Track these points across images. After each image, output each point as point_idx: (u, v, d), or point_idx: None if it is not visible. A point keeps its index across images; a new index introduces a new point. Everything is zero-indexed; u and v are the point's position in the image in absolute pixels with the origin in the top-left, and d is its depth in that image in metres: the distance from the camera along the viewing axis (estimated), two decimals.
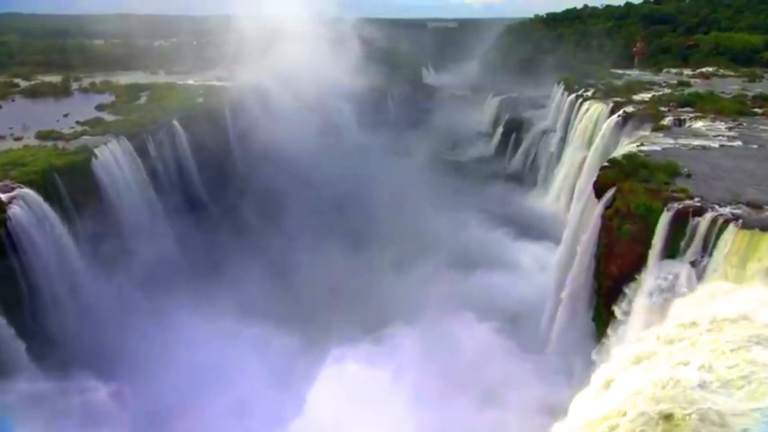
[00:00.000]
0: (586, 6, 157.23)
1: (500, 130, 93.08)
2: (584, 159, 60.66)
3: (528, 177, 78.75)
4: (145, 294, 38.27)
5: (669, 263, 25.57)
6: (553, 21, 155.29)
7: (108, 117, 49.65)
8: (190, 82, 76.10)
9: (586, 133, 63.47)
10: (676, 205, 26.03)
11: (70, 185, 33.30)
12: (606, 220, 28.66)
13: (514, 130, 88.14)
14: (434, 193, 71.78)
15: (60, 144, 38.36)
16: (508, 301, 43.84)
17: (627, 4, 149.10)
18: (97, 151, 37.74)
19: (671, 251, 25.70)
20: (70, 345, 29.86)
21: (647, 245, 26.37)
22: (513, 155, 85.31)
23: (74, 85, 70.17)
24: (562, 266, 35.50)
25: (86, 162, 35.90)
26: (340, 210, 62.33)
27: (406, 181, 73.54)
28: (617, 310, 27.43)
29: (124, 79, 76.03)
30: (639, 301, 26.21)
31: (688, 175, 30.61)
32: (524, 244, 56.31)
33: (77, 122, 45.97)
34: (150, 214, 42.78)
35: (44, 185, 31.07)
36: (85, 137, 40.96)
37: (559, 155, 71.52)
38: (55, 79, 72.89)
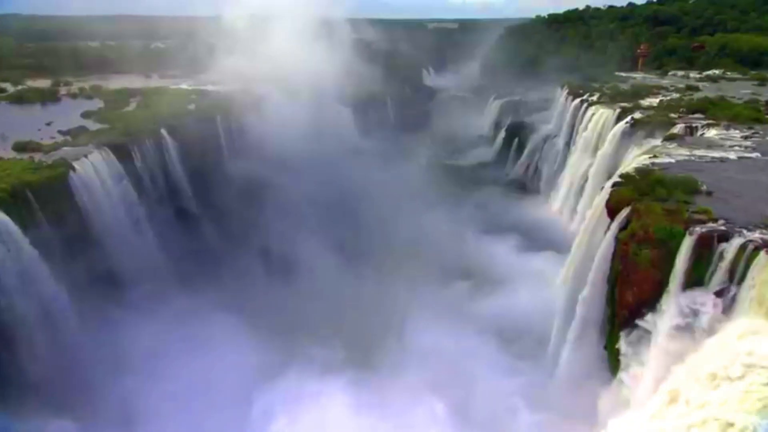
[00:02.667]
0: (588, 7, 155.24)
1: (502, 134, 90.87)
2: (590, 166, 58.64)
3: (530, 183, 76.57)
4: (129, 313, 36.08)
5: (692, 293, 23.31)
6: (554, 22, 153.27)
7: (93, 125, 47.43)
8: (184, 86, 73.99)
9: (592, 140, 61.31)
10: (698, 229, 23.77)
11: (44, 203, 30.94)
12: (621, 243, 26.40)
13: (516, 134, 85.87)
14: (434, 201, 69.87)
15: (37, 156, 36.08)
16: (511, 318, 41.52)
17: (630, 4, 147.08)
18: (76, 164, 35.40)
19: (694, 280, 23.44)
20: (43, 379, 27.59)
21: (667, 273, 24.12)
22: (515, 161, 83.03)
23: (63, 90, 67.97)
24: (570, 287, 33.20)
25: (63, 177, 33.56)
26: (337, 219, 60.30)
27: (406, 188, 71.74)
28: (634, 343, 25.22)
29: (116, 83, 73.97)
30: (658, 334, 23.98)
31: (708, 193, 28.37)
32: (527, 256, 53.83)
33: (59, 131, 43.77)
34: (135, 228, 40.52)
35: (14, 204, 28.76)
36: (65, 148, 38.70)
37: (563, 161, 69.32)
38: (44, 83, 70.86)
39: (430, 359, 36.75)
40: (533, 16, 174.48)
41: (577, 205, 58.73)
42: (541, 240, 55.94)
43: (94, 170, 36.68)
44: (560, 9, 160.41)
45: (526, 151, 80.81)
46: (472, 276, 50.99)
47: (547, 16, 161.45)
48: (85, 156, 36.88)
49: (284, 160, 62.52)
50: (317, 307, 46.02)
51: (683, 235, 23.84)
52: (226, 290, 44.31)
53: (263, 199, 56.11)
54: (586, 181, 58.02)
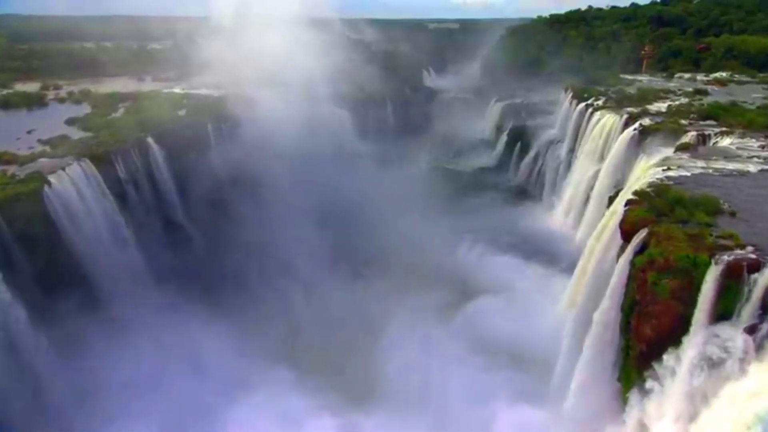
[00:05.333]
0: (590, 7, 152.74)
1: (504, 138, 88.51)
2: (596, 174, 56.52)
3: (534, 190, 74.30)
4: (107, 336, 33.85)
5: (719, 328, 21.14)
6: (556, 22, 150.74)
7: (76, 133, 45.22)
8: (176, 89, 71.81)
9: (598, 146, 59.20)
10: (726, 257, 21.53)
11: (12, 221, 28.78)
12: (638, 271, 24.09)
13: (518, 138, 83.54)
14: (435, 208, 68.04)
15: (11, 169, 33.88)
16: (514, 341, 39.02)
17: (633, 5, 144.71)
18: (52, 177, 33.17)
19: (721, 314, 21.22)
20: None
21: (691, 305, 21.87)
22: (517, 166, 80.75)
23: (51, 95, 65.75)
24: (579, 311, 30.95)
25: (36, 192, 31.30)
26: (334, 228, 58.01)
27: (406, 194, 69.59)
28: (651, 381, 22.99)
29: (107, 86, 71.80)
30: (681, 372, 21.74)
31: (732, 213, 26.13)
32: (530, 270, 51.58)
33: (39, 141, 41.52)
34: (117, 244, 38.18)
35: None
36: (42, 160, 36.49)
37: (567, 168, 67.09)
38: (34, 87, 68.73)
39: (424, 388, 34.73)
40: (534, 16, 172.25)
41: (581, 216, 56.60)
42: (544, 253, 53.74)
43: (71, 184, 34.43)
44: (561, 9, 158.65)
45: (528, 157, 78.58)
46: (475, 294, 48.84)
47: (548, 17, 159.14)
48: (63, 168, 34.63)
49: (279, 167, 60.20)
50: (309, 324, 44.72)
51: (708, 264, 21.60)
52: (215, 304, 42.51)
53: (256, 209, 53.91)
54: (591, 189, 55.91)
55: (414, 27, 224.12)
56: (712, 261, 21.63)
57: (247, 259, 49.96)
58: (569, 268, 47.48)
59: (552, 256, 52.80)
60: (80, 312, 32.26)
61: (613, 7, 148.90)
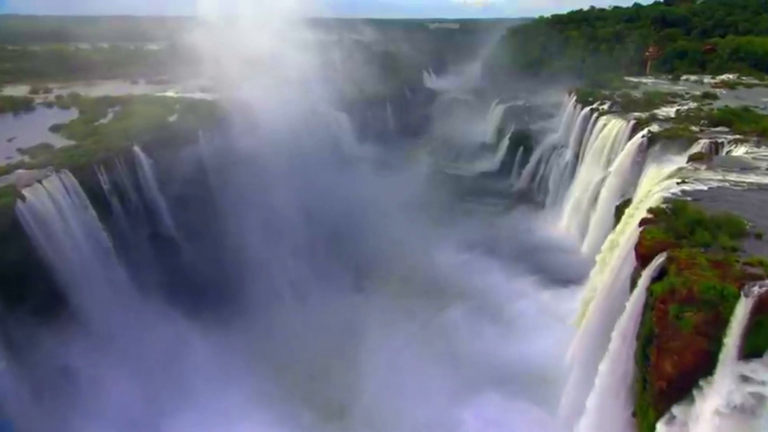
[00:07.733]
0: (592, 7, 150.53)
1: (506, 142, 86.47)
2: (601, 181, 54.54)
3: (537, 197, 72.34)
4: (92, 373, 31.89)
5: (749, 367, 19.10)
6: (558, 23, 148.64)
7: (59, 141, 43.06)
8: (170, 93, 69.85)
9: (604, 153, 57.15)
10: (756, 289, 19.44)
11: None
12: (657, 301, 21.94)
13: (520, 142, 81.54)
14: (434, 215, 66.36)
15: None
16: (516, 362, 37.05)
17: (636, 5, 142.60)
18: (27, 191, 31.12)
19: (752, 351, 19.18)
20: None
21: (717, 341, 19.80)
22: (520, 172, 78.77)
23: (40, 98, 63.58)
24: (591, 336, 28.90)
25: (7, 208, 29.23)
26: (330, 238, 56.20)
27: (405, 200, 67.90)
28: (675, 421, 20.93)
29: (100, 89, 69.80)
30: (705, 416, 19.71)
31: (758, 235, 24.03)
32: (533, 283, 49.63)
33: (19, 150, 39.36)
34: (99, 259, 35.97)
35: None
36: (20, 171, 34.38)
37: (571, 174, 65.07)
38: (23, 90, 66.75)
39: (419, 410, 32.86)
40: (535, 16, 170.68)
41: (587, 225, 54.66)
42: (548, 264, 51.94)
43: (48, 197, 32.33)
44: (563, 9, 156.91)
45: (531, 162, 76.65)
46: (469, 302, 47.06)
47: (550, 17, 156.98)
48: (39, 181, 32.53)
49: (274, 173, 58.15)
50: (300, 334, 42.79)
51: (737, 297, 19.53)
52: (202, 316, 40.66)
53: (250, 220, 51.83)
54: (597, 197, 53.94)
55: (414, 27, 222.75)
56: (742, 293, 19.57)
57: (238, 269, 48.00)
58: (574, 281, 45.87)
59: (556, 267, 51.01)
60: (55, 330, 30.40)
61: (616, 8, 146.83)
